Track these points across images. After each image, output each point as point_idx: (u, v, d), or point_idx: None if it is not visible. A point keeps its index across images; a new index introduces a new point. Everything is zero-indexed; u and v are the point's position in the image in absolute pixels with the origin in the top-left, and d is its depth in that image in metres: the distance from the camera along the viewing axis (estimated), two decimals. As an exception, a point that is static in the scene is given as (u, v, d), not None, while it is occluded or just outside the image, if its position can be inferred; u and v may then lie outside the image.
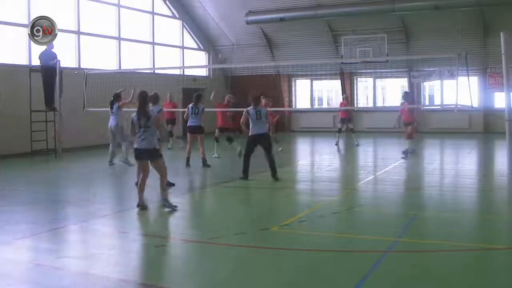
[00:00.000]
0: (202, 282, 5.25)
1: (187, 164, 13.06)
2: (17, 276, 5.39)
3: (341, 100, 19.40)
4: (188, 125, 13.37)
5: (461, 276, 5.30)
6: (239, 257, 6.06)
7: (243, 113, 11.27)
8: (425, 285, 5.04)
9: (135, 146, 8.29)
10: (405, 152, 14.50)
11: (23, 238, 6.71)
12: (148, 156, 8.21)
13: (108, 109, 13.93)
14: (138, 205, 8.18)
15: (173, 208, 8.11)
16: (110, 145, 13.87)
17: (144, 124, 8.11)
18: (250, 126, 11.05)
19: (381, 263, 5.59)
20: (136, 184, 9.01)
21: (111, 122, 13.70)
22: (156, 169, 8.34)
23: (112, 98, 13.77)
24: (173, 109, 17.72)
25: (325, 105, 27.89)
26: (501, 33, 11.44)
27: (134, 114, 8.25)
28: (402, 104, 15.11)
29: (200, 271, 5.55)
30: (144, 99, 8.25)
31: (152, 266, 5.72)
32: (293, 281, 5.14)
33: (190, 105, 13.26)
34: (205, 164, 13.07)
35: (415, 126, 14.87)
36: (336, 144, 18.45)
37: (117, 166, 13.57)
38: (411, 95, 15.15)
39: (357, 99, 26.11)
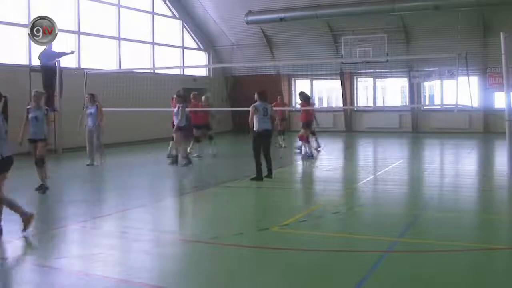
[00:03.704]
0: (201, 282, 5.24)
1: None
2: (17, 276, 5.38)
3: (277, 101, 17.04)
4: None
5: (461, 276, 5.30)
6: (239, 257, 6.05)
7: (251, 108, 10.81)
8: (425, 285, 5.04)
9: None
10: (310, 155, 14.56)
11: (23, 238, 6.70)
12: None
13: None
14: None
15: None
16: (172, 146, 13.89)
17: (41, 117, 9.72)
18: (256, 122, 10.73)
19: (381, 263, 5.59)
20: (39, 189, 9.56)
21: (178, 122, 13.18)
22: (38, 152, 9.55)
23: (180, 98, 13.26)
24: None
25: (325, 105, 27.85)
26: (501, 33, 11.44)
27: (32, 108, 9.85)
28: (300, 104, 15.01)
29: (200, 271, 5.54)
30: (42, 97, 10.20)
31: (152, 266, 5.71)
32: (293, 281, 5.13)
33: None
34: None
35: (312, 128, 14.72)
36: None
37: (118, 165, 13.59)
38: (306, 95, 15.38)
39: (357, 99, 26.12)
